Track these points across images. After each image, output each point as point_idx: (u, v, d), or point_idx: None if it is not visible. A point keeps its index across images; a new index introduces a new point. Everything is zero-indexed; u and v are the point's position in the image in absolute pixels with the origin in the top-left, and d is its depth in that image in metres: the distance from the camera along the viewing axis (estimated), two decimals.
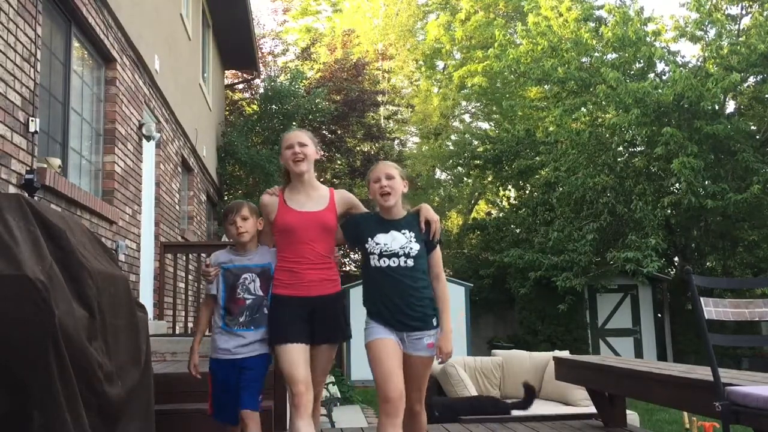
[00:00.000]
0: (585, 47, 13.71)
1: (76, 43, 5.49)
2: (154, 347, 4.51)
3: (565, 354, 6.72)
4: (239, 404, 3.14)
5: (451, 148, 20.83)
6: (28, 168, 4.24)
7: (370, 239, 3.20)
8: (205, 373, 3.31)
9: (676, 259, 14.72)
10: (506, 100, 17.21)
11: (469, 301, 11.56)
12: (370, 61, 20.36)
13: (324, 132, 16.69)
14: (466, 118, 23.55)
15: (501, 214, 18.83)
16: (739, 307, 3.20)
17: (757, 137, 13.35)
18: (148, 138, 7.13)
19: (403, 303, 3.12)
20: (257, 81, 17.72)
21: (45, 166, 4.47)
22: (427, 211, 3.29)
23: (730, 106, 14.28)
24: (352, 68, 17.96)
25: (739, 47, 12.28)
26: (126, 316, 3.01)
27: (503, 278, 15.02)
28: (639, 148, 14.18)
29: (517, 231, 15.97)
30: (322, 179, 12.42)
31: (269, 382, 3.79)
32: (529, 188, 17.31)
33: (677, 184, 12.55)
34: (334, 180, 16.64)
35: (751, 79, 13.47)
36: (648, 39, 13.35)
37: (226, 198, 13.84)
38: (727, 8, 13.68)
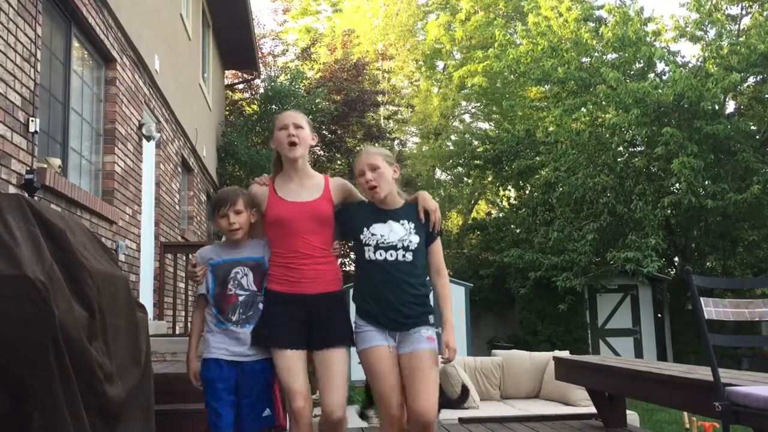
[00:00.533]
0: (585, 47, 13.71)
1: (76, 43, 5.49)
2: (154, 347, 4.50)
3: (565, 354, 6.71)
4: (241, 426, 2.84)
5: (451, 148, 20.81)
6: (28, 168, 4.23)
7: (365, 229, 2.88)
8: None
9: (676, 259, 14.71)
10: (506, 100, 17.22)
11: (469, 301, 11.51)
12: (370, 61, 20.37)
13: (324, 132, 16.68)
14: (466, 118, 23.53)
15: (501, 214, 18.85)
16: (739, 307, 3.20)
17: (757, 137, 13.36)
18: (148, 138, 7.12)
19: (397, 301, 2.82)
20: (257, 81, 17.72)
21: (45, 166, 4.47)
22: (426, 199, 2.97)
23: (730, 106, 14.30)
24: (352, 68, 17.97)
25: (739, 47, 12.28)
26: (126, 316, 2.99)
27: (503, 278, 15.03)
28: (639, 148, 14.19)
29: (517, 231, 15.97)
30: None
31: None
32: (529, 188, 17.29)
33: (677, 184, 12.54)
34: None
35: (751, 79, 13.47)
36: (648, 39, 13.35)
37: None
38: (727, 8, 13.68)
